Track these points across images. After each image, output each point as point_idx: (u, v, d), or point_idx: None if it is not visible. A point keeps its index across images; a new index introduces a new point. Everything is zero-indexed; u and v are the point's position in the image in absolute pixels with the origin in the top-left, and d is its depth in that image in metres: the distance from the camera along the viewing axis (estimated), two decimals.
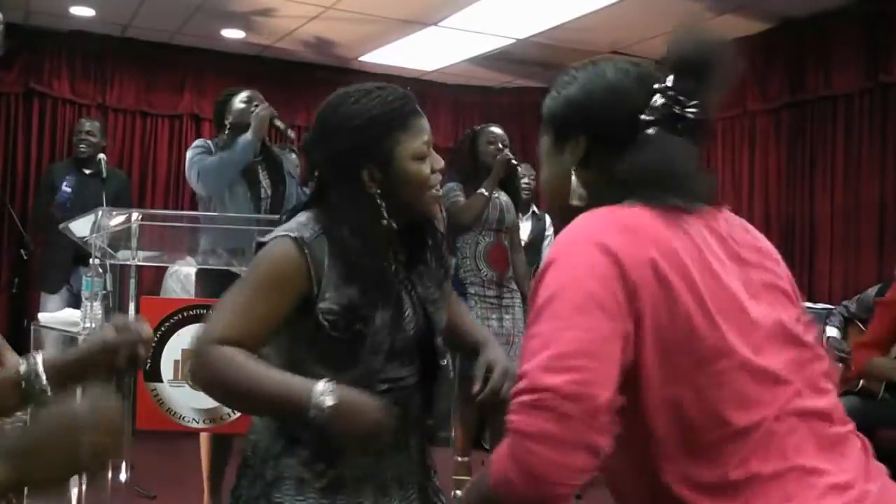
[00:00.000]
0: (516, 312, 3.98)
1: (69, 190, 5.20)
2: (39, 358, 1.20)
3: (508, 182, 4.10)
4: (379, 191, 1.57)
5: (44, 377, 1.18)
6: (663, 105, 1.20)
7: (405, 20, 5.65)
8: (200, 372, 1.51)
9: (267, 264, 1.57)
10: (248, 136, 3.54)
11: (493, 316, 3.96)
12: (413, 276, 1.67)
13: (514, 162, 3.99)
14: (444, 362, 1.70)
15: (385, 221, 1.58)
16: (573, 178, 1.25)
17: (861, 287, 4.51)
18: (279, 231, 1.59)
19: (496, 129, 4.09)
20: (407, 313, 1.62)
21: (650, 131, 1.19)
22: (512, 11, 5.34)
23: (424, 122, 1.64)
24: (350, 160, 1.57)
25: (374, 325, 1.55)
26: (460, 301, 1.91)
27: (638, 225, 1.12)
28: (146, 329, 1.30)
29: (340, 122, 1.61)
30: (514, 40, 5.99)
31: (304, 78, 6.79)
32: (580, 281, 1.08)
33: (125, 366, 1.27)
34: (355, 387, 1.49)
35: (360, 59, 6.66)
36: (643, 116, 1.20)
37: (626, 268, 1.08)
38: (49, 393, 1.18)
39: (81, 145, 5.34)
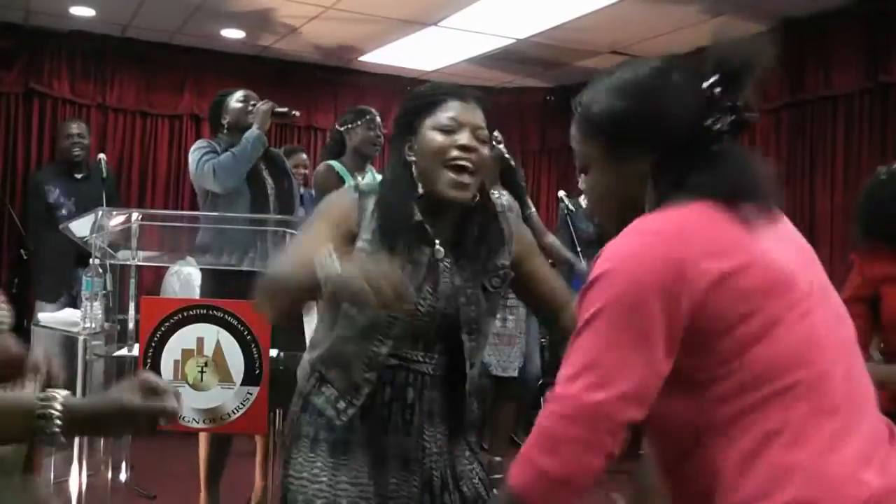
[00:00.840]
0: (520, 313, 3.99)
1: (62, 199, 5.20)
2: (59, 400, 1.15)
3: (509, 180, 4.11)
4: (414, 159, 1.72)
5: (57, 422, 1.14)
6: (727, 114, 1.25)
7: (405, 20, 5.65)
8: (260, 286, 1.63)
9: (328, 202, 1.80)
10: (254, 130, 3.56)
11: (497, 316, 3.97)
12: (455, 264, 1.73)
13: (506, 156, 4.00)
14: (471, 365, 1.73)
15: (415, 188, 1.70)
16: (642, 185, 1.27)
17: None
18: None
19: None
20: (427, 290, 1.69)
21: (722, 142, 1.25)
22: (512, 11, 5.34)
23: (462, 106, 1.72)
24: (398, 134, 1.78)
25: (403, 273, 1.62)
26: (547, 267, 1.94)
27: (690, 229, 1.18)
28: (173, 401, 1.22)
29: (401, 105, 1.85)
30: (514, 40, 5.99)
31: (304, 78, 6.79)
32: (627, 297, 1.15)
33: (143, 431, 1.23)
34: (377, 335, 1.66)
35: (360, 59, 6.66)
36: (712, 126, 1.24)
37: (674, 278, 1.14)
38: (58, 438, 1.14)
39: (75, 149, 5.35)
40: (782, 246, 1.24)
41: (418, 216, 1.70)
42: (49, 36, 6.12)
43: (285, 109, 3.79)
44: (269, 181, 3.67)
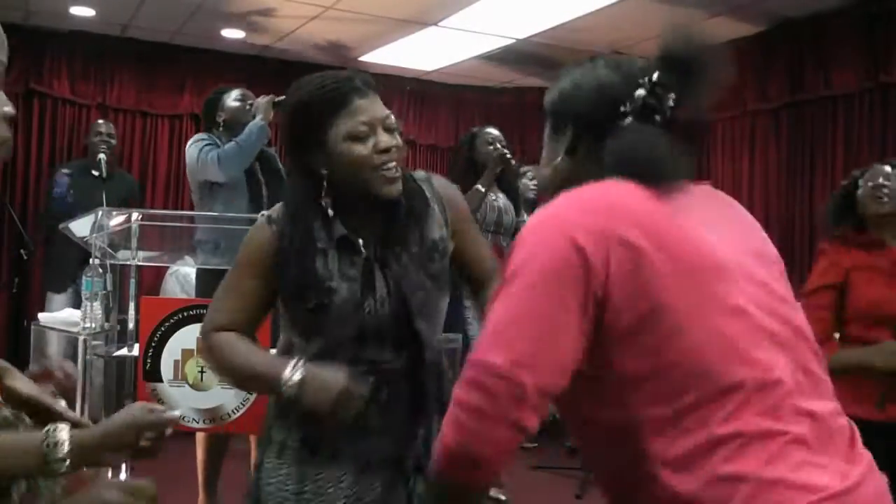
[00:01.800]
0: None
1: (66, 192, 5.20)
2: (66, 433, 1.15)
3: (507, 183, 4.11)
4: (326, 171, 1.64)
5: (66, 449, 1.15)
6: (643, 97, 1.24)
7: (405, 20, 5.65)
8: (205, 360, 1.74)
9: (243, 246, 1.73)
10: (258, 121, 3.57)
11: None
12: (389, 256, 1.67)
13: (508, 156, 4.00)
14: (430, 350, 1.69)
15: (323, 202, 1.66)
16: (563, 164, 1.31)
17: None
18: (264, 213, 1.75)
19: (493, 131, 4.11)
20: (379, 292, 1.65)
21: (627, 121, 1.24)
22: (512, 11, 5.34)
23: (366, 102, 1.64)
24: (299, 147, 1.68)
25: (337, 297, 1.62)
26: (476, 235, 1.88)
27: (606, 200, 1.16)
28: (173, 414, 1.26)
29: (287, 111, 1.72)
30: (514, 40, 5.99)
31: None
32: (539, 264, 1.10)
33: (148, 449, 1.24)
34: (328, 358, 1.61)
35: (360, 58, 6.66)
36: (623, 108, 1.25)
37: (588, 248, 1.09)
38: (66, 468, 1.15)
39: (103, 146, 5.35)
40: (712, 227, 1.17)
41: (341, 230, 1.66)
42: (49, 36, 6.12)
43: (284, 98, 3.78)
44: (263, 180, 3.66)
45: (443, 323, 1.79)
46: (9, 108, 1.07)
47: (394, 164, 1.64)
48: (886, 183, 2.61)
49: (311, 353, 1.65)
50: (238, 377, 1.72)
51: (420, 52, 6.40)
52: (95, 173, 5.32)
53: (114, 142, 5.49)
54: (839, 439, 1.13)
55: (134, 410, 1.24)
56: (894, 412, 2.40)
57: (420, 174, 1.82)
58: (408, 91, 7.27)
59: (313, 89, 1.66)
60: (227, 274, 1.73)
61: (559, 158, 1.32)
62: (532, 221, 1.18)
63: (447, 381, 1.75)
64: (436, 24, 5.68)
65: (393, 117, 1.67)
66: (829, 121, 5.40)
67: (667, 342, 1.08)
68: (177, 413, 1.28)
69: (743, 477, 1.05)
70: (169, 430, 1.26)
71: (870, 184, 2.63)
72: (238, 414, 2.93)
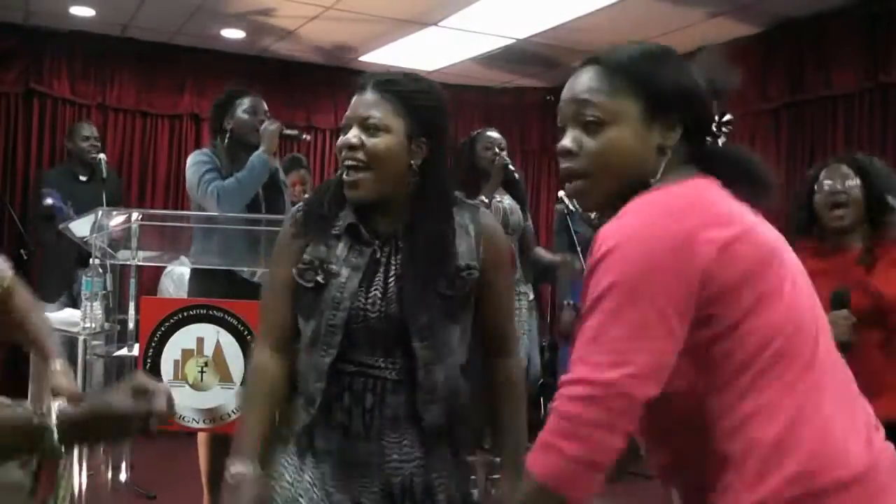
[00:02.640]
0: (522, 314, 3.99)
1: (61, 205, 5.19)
2: (54, 411, 1.15)
3: (511, 186, 4.11)
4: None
5: (55, 433, 1.14)
6: (725, 122, 1.33)
7: (405, 20, 5.65)
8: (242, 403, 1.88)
9: (277, 242, 1.79)
10: (261, 154, 3.42)
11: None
12: (406, 265, 1.67)
13: (510, 167, 4.00)
14: (428, 374, 1.65)
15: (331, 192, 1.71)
16: (664, 161, 1.27)
17: None
18: None
19: (492, 134, 4.10)
20: (373, 293, 1.65)
21: (724, 139, 1.32)
22: (512, 11, 5.34)
23: (356, 98, 1.70)
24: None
25: (335, 280, 1.65)
26: (507, 294, 1.85)
27: (693, 203, 1.20)
28: (163, 401, 1.22)
29: None
30: (514, 40, 5.99)
31: (304, 78, 6.79)
32: (636, 276, 1.14)
33: (136, 432, 1.23)
34: (318, 348, 1.64)
35: (360, 58, 6.66)
36: (724, 119, 1.32)
37: (682, 254, 1.14)
38: (57, 447, 1.15)
39: (93, 151, 5.33)
40: (768, 227, 1.28)
41: (351, 218, 1.68)
42: (49, 36, 6.12)
43: (295, 133, 3.68)
44: (261, 193, 3.58)
45: (456, 349, 1.72)
46: None
47: (353, 163, 1.65)
48: (843, 190, 2.54)
49: (307, 337, 1.69)
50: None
51: (420, 52, 6.40)
52: (83, 178, 5.32)
53: (98, 144, 5.47)
54: (868, 412, 1.27)
55: (112, 400, 1.21)
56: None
57: (473, 202, 1.83)
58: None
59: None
60: (269, 270, 1.81)
61: (657, 148, 1.28)
62: (621, 228, 1.18)
63: (452, 406, 1.71)
64: (436, 24, 5.68)
65: (376, 118, 1.65)
66: (829, 121, 5.40)
67: (746, 316, 1.16)
68: (163, 402, 1.22)
69: (798, 440, 1.14)
70: (154, 423, 1.22)
71: (826, 189, 2.56)
72: (238, 414, 2.92)
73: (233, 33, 6.19)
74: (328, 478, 1.67)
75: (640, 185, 1.25)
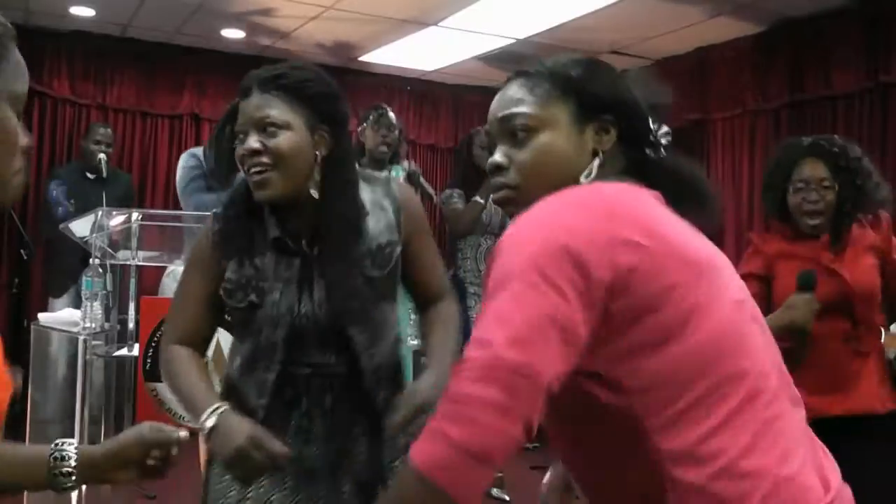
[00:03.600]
0: None
1: (62, 201, 5.19)
2: (73, 448, 1.16)
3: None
4: None
5: (73, 465, 1.15)
6: (666, 135, 1.27)
7: (405, 20, 5.65)
8: (161, 373, 1.75)
9: (194, 245, 1.75)
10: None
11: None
12: (324, 260, 1.63)
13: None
14: (367, 357, 1.63)
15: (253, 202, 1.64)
16: (597, 163, 1.21)
17: None
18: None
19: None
20: (317, 294, 1.62)
21: (664, 147, 1.26)
22: (512, 11, 5.34)
23: (244, 102, 1.64)
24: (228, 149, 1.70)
25: (269, 298, 1.61)
26: (430, 248, 1.81)
27: (608, 204, 1.11)
28: (180, 434, 1.26)
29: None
30: (514, 40, 5.98)
31: None
32: (539, 266, 1.04)
33: (156, 466, 1.24)
34: (261, 359, 1.61)
35: (361, 58, 6.66)
36: (661, 131, 1.26)
37: (590, 253, 1.05)
38: (74, 483, 1.15)
39: (98, 152, 5.33)
40: (704, 243, 1.19)
41: (275, 232, 1.64)
42: (49, 36, 6.12)
43: None
44: None
45: (391, 330, 1.71)
46: (27, 140, 1.07)
47: (257, 168, 1.58)
48: (818, 199, 2.40)
49: (244, 355, 1.65)
50: (181, 401, 1.71)
51: (420, 52, 6.40)
52: (91, 176, 5.32)
53: (111, 149, 5.50)
54: (813, 442, 1.17)
55: (142, 429, 1.24)
56: (827, 405, 2.26)
57: (382, 175, 1.78)
58: (408, 91, 7.26)
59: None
60: (181, 275, 1.75)
61: (591, 150, 1.22)
62: (533, 216, 1.10)
63: (396, 388, 1.68)
64: (436, 24, 5.68)
65: (273, 116, 1.59)
66: (829, 121, 5.39)
67: (679, 331, 1.07)
68: (184, 433, 1.26)
69: (762, 473, 1.05)
70: (175, 450, 1.25)
71: (801, 194, 2.43)
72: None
73: (233, 33, 6.19)
74: (291, 489, 1.63)
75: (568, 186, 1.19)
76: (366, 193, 1.70)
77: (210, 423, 1.55)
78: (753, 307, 1.19)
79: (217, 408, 1.55)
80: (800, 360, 2.20)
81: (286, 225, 1.65)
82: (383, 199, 1.70)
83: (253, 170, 1.59)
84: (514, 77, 1.30)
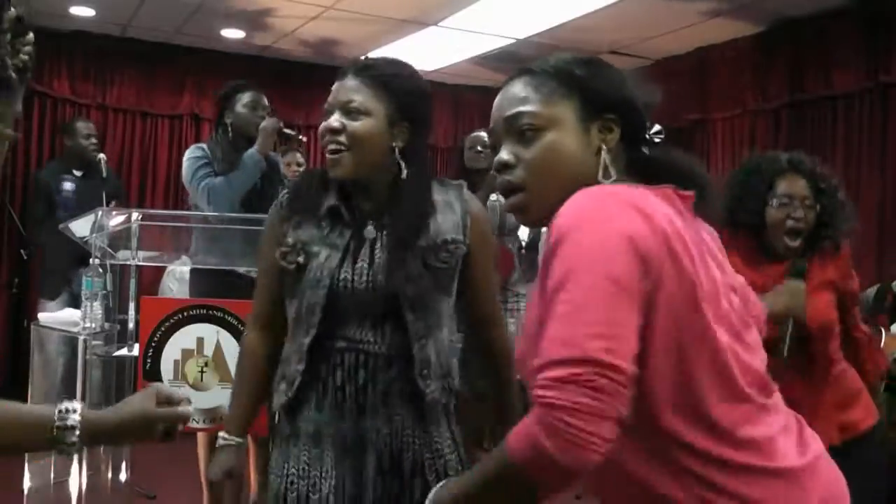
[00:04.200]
0: (521, 317, 3.99)
1: (71, 190, 5.19)
2: (77, 413, 1.16)
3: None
4: None
5: (76, 433, 1.15)
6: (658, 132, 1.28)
7: (405, 20, 5.65)
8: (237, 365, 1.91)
9: (265, 227, 1.84)
10: (254, 152, 3.44)
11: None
12: (390, 239, 1.71)
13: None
14: (421, 345, 1.69)
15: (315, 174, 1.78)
16: (605, 156, 1.22)
17: (861, 286, 4.50)
18: None
19: (478, 133, 4.11)
20: (360, 265, 1.69)
21: (658, 144, 1.28)
22: (512, 11, 5.34)
23: (336, 85, 1.76)
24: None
25: (315, 261, 1.69)
26: (490, 270, 1.87)
27: (650, 203, 1.13)
28: (187, 410, 1.27)
29: None
30: (514, 40, 5.99)
31: (304, 78, 6.79)
32: (597, 256, 1.05)
33: (159, 438, 1.24)
34: (303, 325, 1.69)
35: (361, 58, 6.65)
36: (655, 128, 1.27)
37: (640, 244, 1.07)
38: (77, 448, 1.16)
39: (92, 148, 5.32)
40: (715, 255, 1.22)
41: (332, 200, 1.73)
42: (49, 36, 6.11)
43: (291, 132, 3.70)
44: (260, 187, 3.57)
45: (445, 323, 1.76)
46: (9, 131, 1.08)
47: (333, 146, 1.70)
48: (802, 217, 2.30)
49: (291, 318, 1.74)
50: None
51: (420, 52, 6.40)
52: (78, 174, 5.30)
53: (97, 142, 5.45)
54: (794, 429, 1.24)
55: (147, 405, 1.23)
56: None
57: (455, 182, 1.86)
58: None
59: None
60: (258, 252, 1.86)
61: (599, 148, 1.22)
62: (577, 208, 1.10)
63: (435, 380, 1.74)
64: (436, 24, 5.68)
65: (358, 101, 1.70)
66: (829, 121, 5.40)
67: (695, 346, 1.11)
68: (190, 409, 1.27)
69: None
70: (181, 427, 1.27)
71: (784, 211, 2.30)
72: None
73: (233, 33, 6.19)
74: (330, 465, 1.69)
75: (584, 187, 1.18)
76: (438, 194, 1.78)
77: (221, 437, 1.81)
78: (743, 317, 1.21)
79: (229, 441, 1.80)
80: (785, 354, 2.17)
81: (352, 199, 1.74)
82: (454, 202, 1.78)
83: (330, 146, 1.70)
84: (518, 75, 1.30)
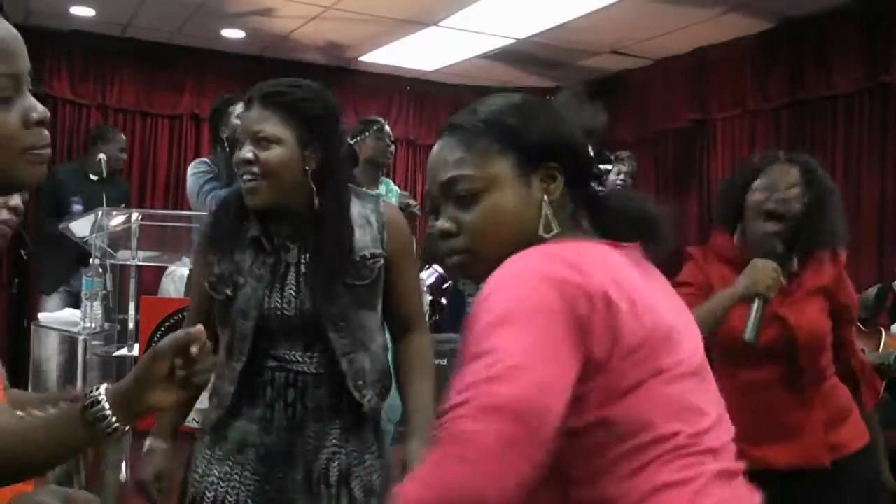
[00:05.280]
0: None
1: (80, 206, 5.17)
2: (102, 388, 1.13)
3: None
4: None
5: (107, 406, 1.11)
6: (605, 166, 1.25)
7: (405, 20, 5.65)
8: None
9: (196, 244, 1.93)
10: None
11: None
12: (309, 262, 1.75)
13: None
14: (346, 355, 1.73)
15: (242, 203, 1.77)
16: (550, 212, 1.16)
17: (860, 286, 4.50)
18: None
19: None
20: (287, 292, 1.74)
21: (613, 178, 1.22)
22: (512, 11, 5.34)
23: (243, 114, 1.78)
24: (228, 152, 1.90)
25: (241, 292, 1.73)
26: (412, 276, 1.92)
27: (588, 255, 1.08)
28: (193, 330, 1.15)
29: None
30: (514, 40, 5.98)
31: (304, 78, 6.78)
32: (535, 308, 1.01)
33: (186, 375, 1.14)
34: (237, 349, 1.73)
35: (360, 58, 6.66)
36: (603, 166, 1.23)
37: (578, 303, 1.02)
38: (114, 422, 1.11)
39: (101, 155, 5.26)
40: (669, 301, 1.17)
41: (253, 231, 1.76)
42: (49, 36, 6.11)
43: None
44: None
45: (377, 335, 1.81)
46: (38, 113, 1.08)
47: (247, 176, 1.71)
48: (784, 198, 2.13)
49: (224, 344, 1.77)
50: None
51: (420, 52, 6.40)
52: (94, 177, 5.29)
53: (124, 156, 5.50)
54: (742, 485, 1.13)
55: (155, 347, 1.17)
56: (771, 456, 2.04)
57: (371, 192, 1.91)
58: (408, 91, 7.27)
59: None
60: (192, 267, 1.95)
61: (541, 200, 1.17)
62: (515, 266, 1.06)
63: (371, 387, 1.78)
64: (436, 24, 5.68)
65: (266, 131, 1.71)
66: (829, 121, 5.40)
67: (618, 399, 1.05)
68: (198, 326, 1.16)
69: None
70: (195, 349, 1.13)
71: (765, 191, 2.14)
72: None
73: (233, 33, 6.19)
74: (252, 471, 1.75)
75: (529, 243, 1.13)
76: (355, 207, 1.81)
77: (149, 442, 1.81)
78: (702, 364, 1.15)
79: (155, 442, 1.81)
80: (753, 341, 2.01)
81: (269, 227, 1.77)
82: (371, 215, 1.81)
83: (245, 177, 1.73)
84: (450, 132, 1.21)
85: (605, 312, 1.03)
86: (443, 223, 1.20)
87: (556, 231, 1.16)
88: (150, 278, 5.45)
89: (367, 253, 1.76)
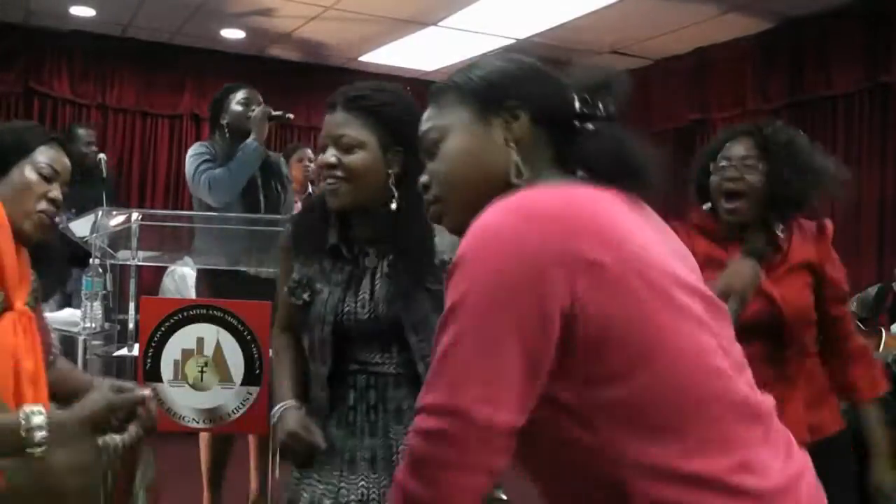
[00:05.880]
0: None
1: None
2: (42, 417, 1.17)
3: None
4: None
5: (45, 431, 1.16)
6: (597, 105, 1.16)
7: (405, 20, 5.65)
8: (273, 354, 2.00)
9: (279, 248, 1.92)
10: (252, 142, 3.46)
11: None
12: (386, 267, 1.76)
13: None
14: (424, 359, 1.71)
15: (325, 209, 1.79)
16: (514, 154, 1.13)
17: (861, 286, 4.51)
18: None
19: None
20: (362, 296, 1.75)
21: (595, 123, 1.16)
22: (512, 11, 5.34)
23: (328, 118, 1.77)
24: None
25: (318, 298, 1.76)
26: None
27: (570, 211, 1.02)
28: (144, 391, 1.31)
29: None
30: (514, 40, 5.99)
31: (304, 78, 6.79)
32: (489, 293, 0.98)
33: (125, 425, 1.28)
34: (317, 353, 1.77)
35: (360, 58, 6.66)
36: (581, 107, 1.16)
37: (550, 273, 0.97)
38: (44, 447, 1.16)
39: (92, 155, 5.27)
40: (661, 239, 1.10)
41: (333, 239, 1.78)
42: (49, 36, 6.12)
43: (279, 113, 3.72)
44: (262, 190, 3.59)
45: None
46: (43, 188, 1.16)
47: (331, 179, 1.73)
48: (738, 176, 2.08)
49: (307, 349, 1.81)
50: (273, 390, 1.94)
51: (420, 52, 6.40)
52: (77, 178, 5.26)
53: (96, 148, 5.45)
54: (778, 435, 1.12)
55: (105, 392, 1.29)
56: None
57: None
58: (408, 91, 7.26)
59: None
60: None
61: (505, 145, 1.14)
62: (476, 239, 1.01)
63: None
64: (436, 24, 5.68)
65: (350, 135, 1.72)
66: (829, 121, 5.40)
67: (644, 358, 1.00)
68: (146, 391, 1.31)
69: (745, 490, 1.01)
70: (141, 410, 1.30)
71: (720, 172, 2.11)
72: (238, 414, 2.92)
73: (233, 33, 6.19)
74: (337, 477, 1.75)
75: (501, 189, 1.09)
76: None
77: (274, 419, 1.79)
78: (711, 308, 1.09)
79: (282, 406, 1.78)
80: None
81: (350, 232, 1.80)
82: None
83: (328, 181, 1.74)
84: (429, 97, 1.27)
85: (595, 279, 0.98)
86: (422, 177, 1.24)
87: (527, 175, 1.12)
88: (150, 278, 5.45)
89: (446, 257, 1.76)
